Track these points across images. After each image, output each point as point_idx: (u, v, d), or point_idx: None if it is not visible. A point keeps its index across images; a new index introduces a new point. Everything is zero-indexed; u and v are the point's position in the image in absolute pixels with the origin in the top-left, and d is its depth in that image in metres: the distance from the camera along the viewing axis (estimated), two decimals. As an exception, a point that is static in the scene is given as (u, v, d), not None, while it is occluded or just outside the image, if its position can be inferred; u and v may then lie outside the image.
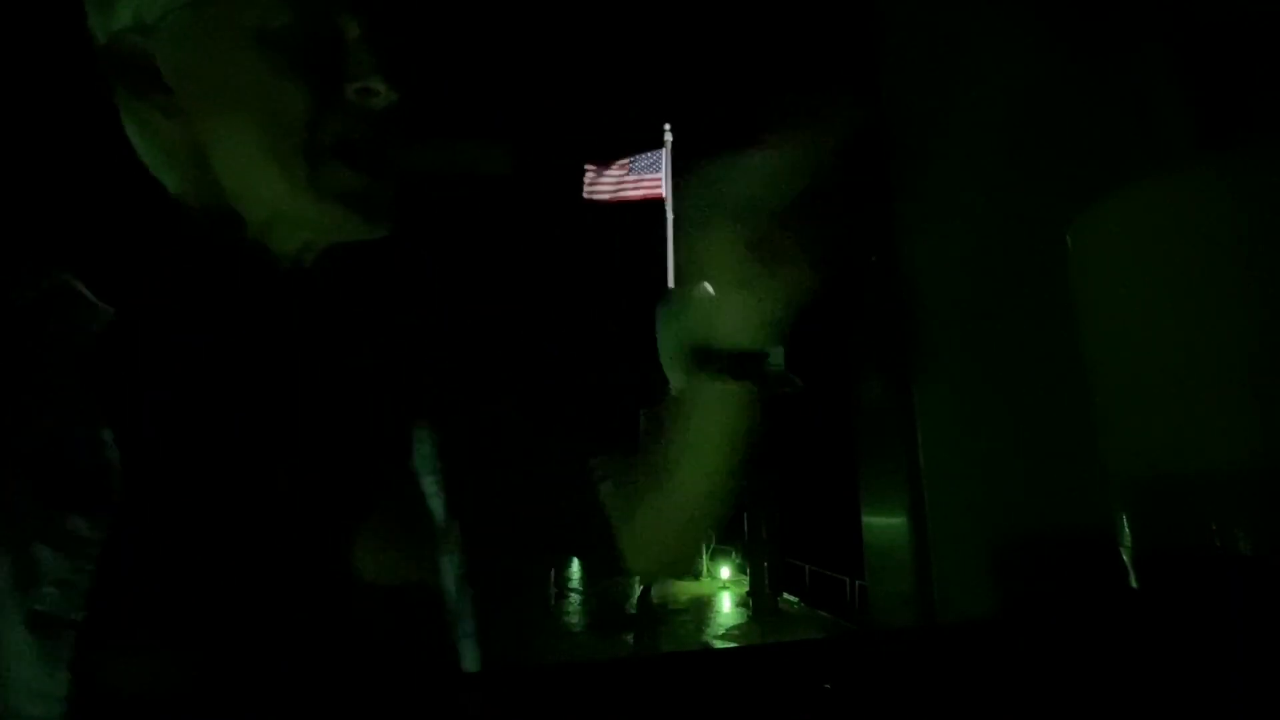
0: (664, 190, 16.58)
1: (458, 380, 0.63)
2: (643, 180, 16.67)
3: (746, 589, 9.52)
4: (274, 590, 0.48)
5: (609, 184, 16.79)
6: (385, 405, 0.57)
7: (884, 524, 1.02)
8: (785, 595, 9.38)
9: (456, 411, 0.60)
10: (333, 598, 0.50)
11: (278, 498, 0.49)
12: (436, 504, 0.56)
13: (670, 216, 16.61)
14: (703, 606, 9.71)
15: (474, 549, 0.57)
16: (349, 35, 0.51)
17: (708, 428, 0.61)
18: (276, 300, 0.55)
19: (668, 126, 16.62)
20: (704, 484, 0.63)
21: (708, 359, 0.60)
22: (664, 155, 16.68)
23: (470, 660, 0.54)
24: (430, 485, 0.57)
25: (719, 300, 0.57)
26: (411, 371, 0.60)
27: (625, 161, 16.82)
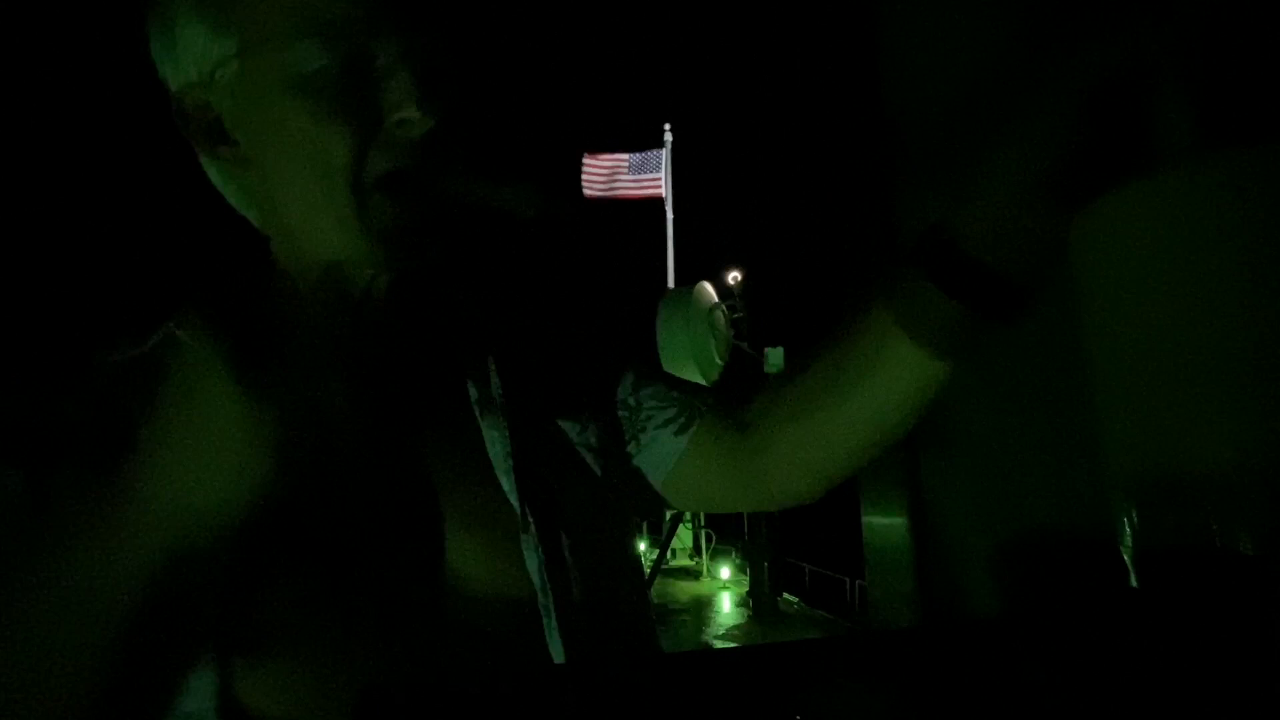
0: (664, 190, 16.58)
1: (515, 378, 0.64)
2: (643, 180, 16.67)
3: (746, 589, 9.52)
4: (380, 604, 0.50)
5: (608, 183, 16.78)
6: (464, 413, 0.60)
7: (884, 524, 1.02)
8: (785, 595, 9.39)
9: (519, 409, 0.62)
10: (437, 607, 0.53)
11: (375, 514, 0.53)
12: (514, 498, 0.58)
13: (670, 216, 16.60)
14: (703, 606, 9.72)
15: (550, 540, 0.58)
16: (380, 67, 0.51)
17: (903, 346, 0.53)
18: (357, 327, 0.58)
19: (668, 126, 16.62)
20: (876, 405, 0.56)
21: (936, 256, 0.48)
22: (664, 155, 16.67)
23: (558, 652, 0.55)
24: (506, 483, 0.58)
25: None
26: (479, 378, 0.63)
27: (624, 160, 16.81)
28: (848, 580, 9.38)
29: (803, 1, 1.19)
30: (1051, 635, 0.54)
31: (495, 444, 0.59)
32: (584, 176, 16.76)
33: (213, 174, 0.57)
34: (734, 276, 8.86)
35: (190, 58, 0.52)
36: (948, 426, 0.94)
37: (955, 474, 0.92)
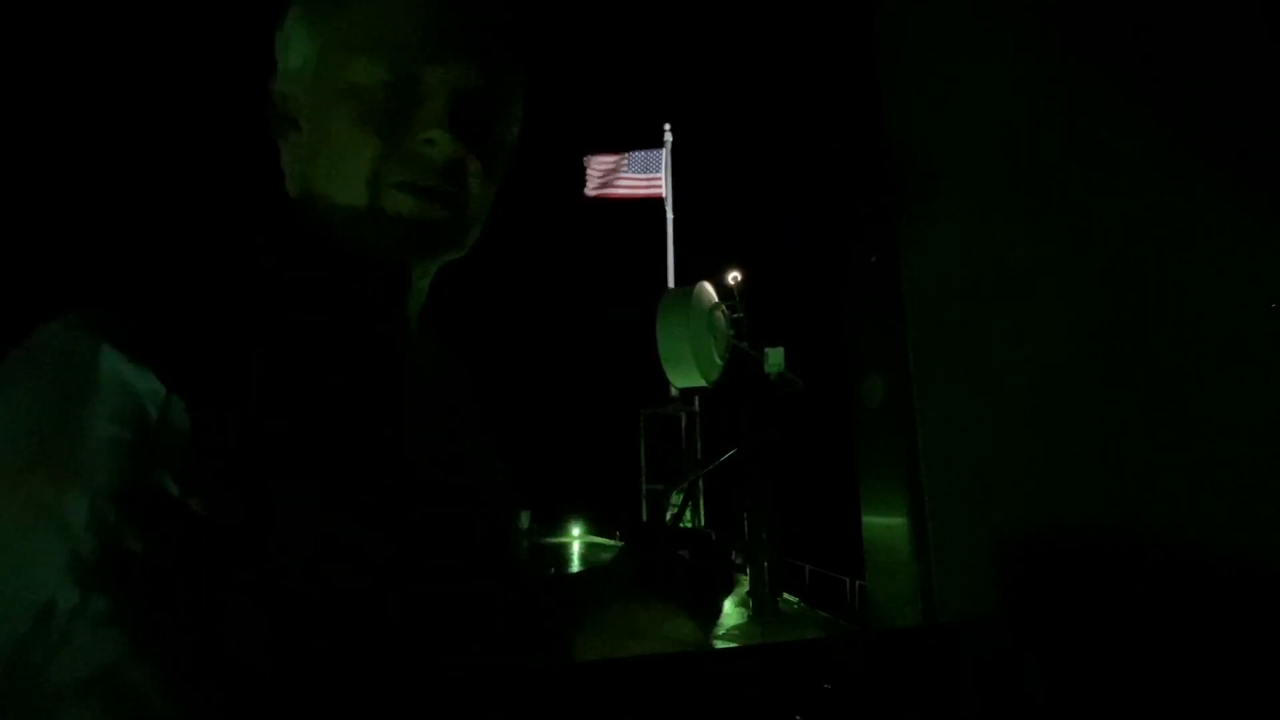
0: (664, 190, 16.58)
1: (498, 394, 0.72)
2: (642, 179, 16.67)
3: (746, 589, 9.52)
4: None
5: (608, 183, 16.78)
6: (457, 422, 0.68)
7: (884, 524, 1.02)
8: (785, 595, 9.38)
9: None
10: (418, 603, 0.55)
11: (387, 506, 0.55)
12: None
13: (670, 216, 16.61)
14: (703, 606, 9.69)
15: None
16: (421, 90, 0.57)
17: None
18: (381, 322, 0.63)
19: (668, 126, 16.62)
20: None
21: None
22: (664, 155, 16.68)
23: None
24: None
25: None
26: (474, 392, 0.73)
27: (624, 160, 16.81)
28: (848, 580, 9.38)
29: (803, 2, 1.19)
30: (1051, 635, 0.54)
31: (488, 468, 0.69)
32: (585, 176, 16.76)
33: (284, 158, 0.63)
34: (734, 276, 8.85)
35: (293, 51, 0.60)
36: (948, 426, 0.94)
37: (955, 474, 0.92)
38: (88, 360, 0.45)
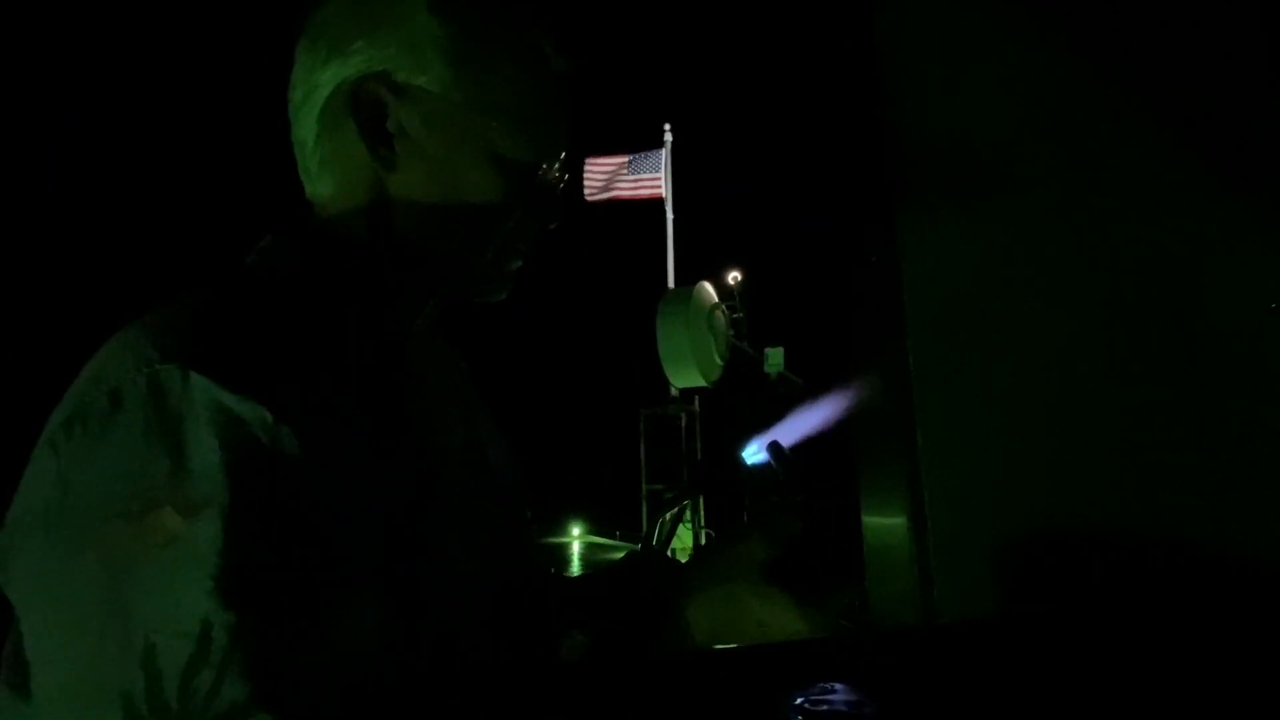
0: (664, 190, 16.56)
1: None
2: (643, 180, 16.65)
3: (746, 589, 9.52)
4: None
5: (608, 184, 16.77)
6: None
7: (884, 524, 1.02)
8: (785, 595, 9.38)
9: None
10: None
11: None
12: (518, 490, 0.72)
13: (670, 216, 16.60)
14: (702, 606, 9.69)
15: None
16: (555, 180, 0.63)
17: None
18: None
19: (668, 126, 16.60)
20: None
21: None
22: (664, 155, 16.66)
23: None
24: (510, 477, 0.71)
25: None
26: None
27: (624, 160, 16.79)
28: (848, 580, 9.38)
29: (805, 3, 1.19)
30: (1052, 635, 0.54)
31: (498, 447, 0.71)
32: (585, 179, 16.73)
33: (326, 144, 0.59)
34: (734, 276, 8.87)
35: (362, 55, 0.56)
36: (948, 426, 0.94)
37: (955, 474, 0.92)
38: (177, 392, 0.45)
